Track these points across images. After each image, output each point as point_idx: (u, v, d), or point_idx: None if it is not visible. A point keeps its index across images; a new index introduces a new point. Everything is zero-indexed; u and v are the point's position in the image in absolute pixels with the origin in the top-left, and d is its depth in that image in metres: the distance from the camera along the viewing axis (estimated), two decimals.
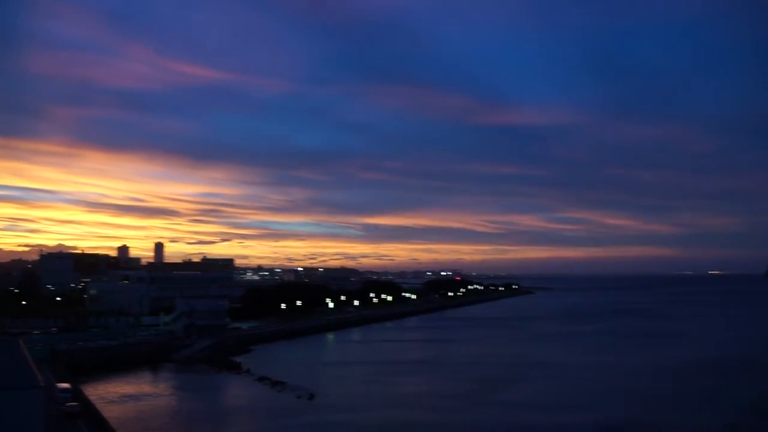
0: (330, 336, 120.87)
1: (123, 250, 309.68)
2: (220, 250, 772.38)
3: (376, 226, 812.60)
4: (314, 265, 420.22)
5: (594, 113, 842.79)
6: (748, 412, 53.99)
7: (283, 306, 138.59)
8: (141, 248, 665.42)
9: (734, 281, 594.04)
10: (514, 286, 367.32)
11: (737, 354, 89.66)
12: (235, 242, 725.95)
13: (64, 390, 47.53)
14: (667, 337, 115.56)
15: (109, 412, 47.48)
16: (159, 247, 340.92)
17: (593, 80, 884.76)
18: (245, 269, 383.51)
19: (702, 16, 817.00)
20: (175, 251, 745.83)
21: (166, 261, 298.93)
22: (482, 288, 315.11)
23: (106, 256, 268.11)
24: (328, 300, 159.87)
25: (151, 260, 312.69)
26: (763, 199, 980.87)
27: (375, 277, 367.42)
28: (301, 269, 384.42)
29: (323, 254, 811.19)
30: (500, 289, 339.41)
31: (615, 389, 64.99)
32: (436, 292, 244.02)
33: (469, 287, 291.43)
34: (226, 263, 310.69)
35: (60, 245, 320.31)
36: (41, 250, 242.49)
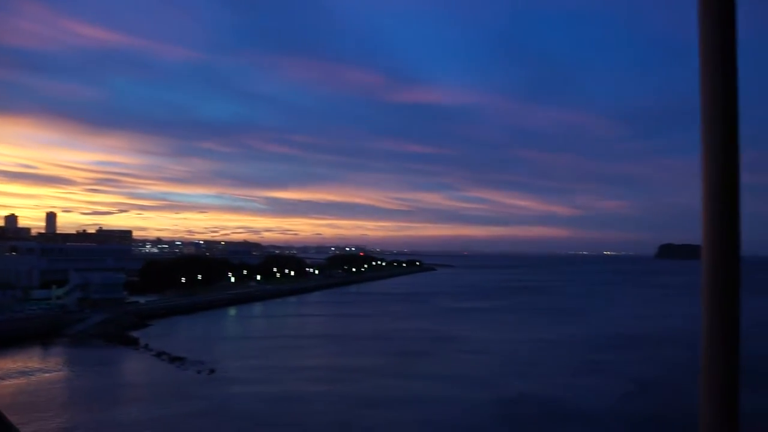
0: (231, 310, 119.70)
1: (11, 219, 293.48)
2: (117, 221, 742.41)
3: (280, 200, 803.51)
4: (216, 239, 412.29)
5: (502, 95, 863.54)
6: (643, 383, 57.44)
7: (183, 280, 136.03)
8: (31, 218, 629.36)
9: (627, 262, 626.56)
10: (416, 263, 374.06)
11: (637, 330, 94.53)
12: (133, 213, 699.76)
13: None
14: (572, 314, 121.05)
15: None
16: (51, 217, 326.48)
17: (502, 63, 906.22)
18: (144, 241, 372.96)
19: (610, 6, 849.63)
20: (68, 222, 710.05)
21: (58, 232, 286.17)
22: (385, 264, 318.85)
23: None
24: (229, 274, 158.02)
25: (43, 231, 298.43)
26: (655, 184, 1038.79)
27: (278, 252, 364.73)
28: (203, 242, 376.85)
29: (225, 227, 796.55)
30: (403, 265, 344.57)
31: (520, 362, 68.03)
32: (339, 267, 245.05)
33: (373, 263, 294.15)
34: (124, 235, 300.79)
35: None
36: None
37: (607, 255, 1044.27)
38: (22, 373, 57.71)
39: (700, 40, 1.57)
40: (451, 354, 73.31)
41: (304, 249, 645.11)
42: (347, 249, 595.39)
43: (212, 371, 59.63)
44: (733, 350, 1.58)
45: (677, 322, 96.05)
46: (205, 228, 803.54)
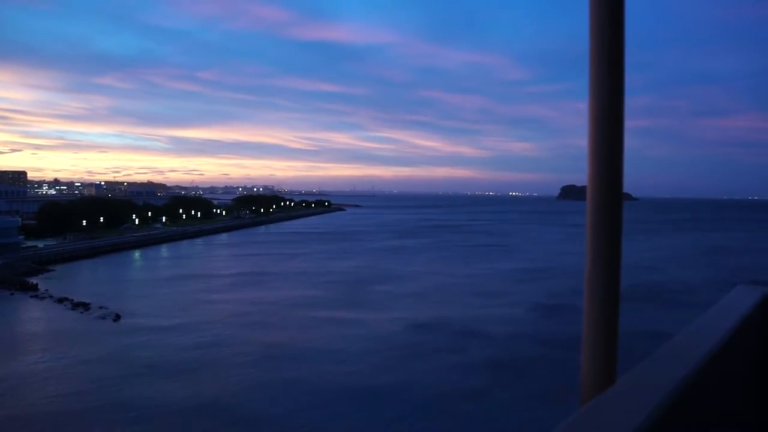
0: (136, 253, 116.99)
1: None
2: (9, 161, 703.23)
3: (185, 140, 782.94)
4: (118, 180, 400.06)
5: (411, 35, 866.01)
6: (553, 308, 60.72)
7: (84, 223, 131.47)
8: None
9: (533, 202, 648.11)
10: (325, 203, 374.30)
11: (559, 264, 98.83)
12: (27, 152, 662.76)
13: None
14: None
15: None
16: None
17: (413, 3, 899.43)
18: (40, 183, 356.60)
19: None
20: None
21: None
22: (294, 204, 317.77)
23: None
24: (133, 216, 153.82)
25: None
26: (560, 127, 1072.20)
27: (184, 193, 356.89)
28: (104, 183, 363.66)
29: (128, 168, 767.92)
30: (312, 205, 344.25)
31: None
32: (247, 208, 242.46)
33: (282, 203, 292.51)
34: (17, 176, 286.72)
35: None
36: None
37: (514, 196, 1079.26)
38: None
39: None
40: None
41: (211, 189, 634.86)
42: (255, 189, 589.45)
43: (118, 317, 58.68)
44: (613, 293, 1.62)
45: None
46: (107, 168, 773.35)
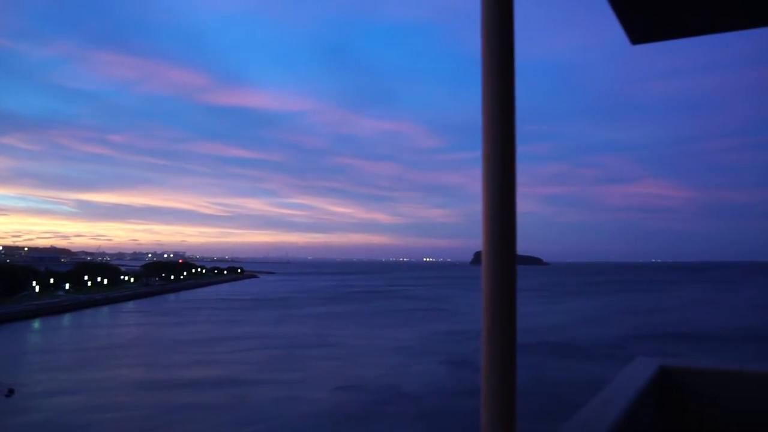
0: (36, 323, 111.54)
1: None
2: None
3: (92, 203, 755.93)
4: (18, 244, 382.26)
5: (325, 103, 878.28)
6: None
7: None
8: None
9: (447, 268, 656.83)
10: (238, 270, 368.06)
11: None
12: None
13: None
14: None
15: None
16: None
17: (327, 71, 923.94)
18: None
19: (430, 22, 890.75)
20: None
21: None
22: (206, 271, 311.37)
23: None
24: (34, 283, 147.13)
25: None
26: (472, 193, 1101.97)
27: (90, 258, 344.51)
28: (2, 248, 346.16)
29: (29, 231, 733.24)
30: (224, 272, 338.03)
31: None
32: (157, 275, 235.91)
33: (193, 270, 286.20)
34: None
35: None
36: None
37: (427, 261, 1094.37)
38: None
39: (481, 54, 1.68)
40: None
41: (119, 255, 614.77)
42: (165, 255, 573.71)
43: (11, 392, 55.57)
44: (510, 350, 1.66)
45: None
46: (5, 232, 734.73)
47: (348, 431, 45.30)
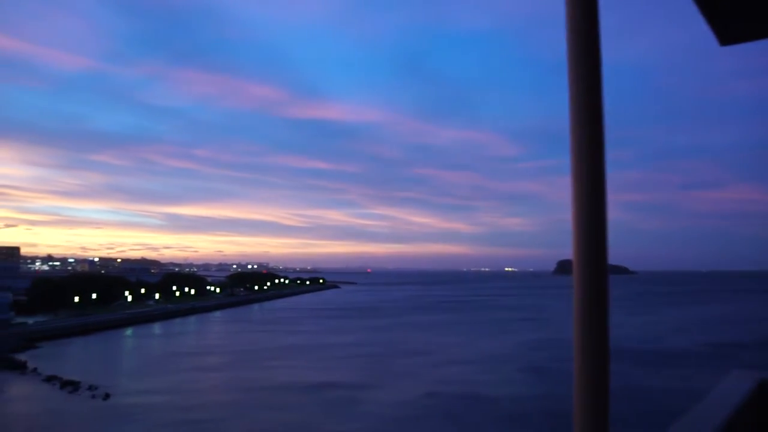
0: (128, 331, 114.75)
1: None
2: (3, 236, 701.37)
3: (179, 216, 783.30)
4: (112, 256, 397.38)
5: (403, 114, 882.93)
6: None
7: (76, 299, 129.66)
8: None
9: (528, 278, 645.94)
10: (320, 280, 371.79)
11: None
12: (21, 228, 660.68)
13: None
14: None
15: None
16: None
17: (404, 82, 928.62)
18: (33, 258, 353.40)
19: (508, 29, 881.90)
20: None
21: None
22: (288, 281, 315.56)
23: None
24: (126, 293, 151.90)
25: None
26: (552, 202, 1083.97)
27: (177, 270, 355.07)
28: (97, 259, 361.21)
29: (122, 244, 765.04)
30: (306, 282, 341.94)
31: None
32: (241, 285, 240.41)
33: (276, 281, 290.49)
34: (11, 251, 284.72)
35: None
36: None
37: (508, 271, 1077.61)
38: None
39: (568, 61, 1.65)
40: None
41: (205, 266, 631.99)
42: (249, 266, 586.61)
43: (107, 396, 56.64)
44: (603, 361, 1.62)
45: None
46: (100, 244, 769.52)
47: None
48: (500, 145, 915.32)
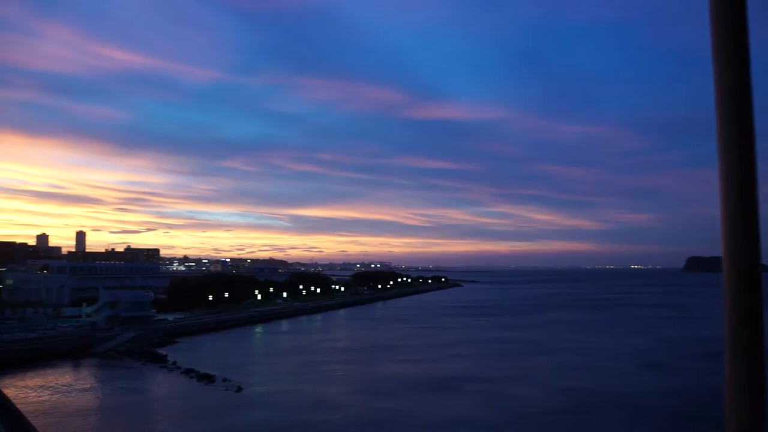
0: (258, 328, 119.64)
1: (42, 238, 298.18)
2: (144, 239, 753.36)
3: (304, 218, 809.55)
4: (242, 256, 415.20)
5: (523, 110, 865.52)
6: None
7: (210, 297, 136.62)
8: (62, 237, 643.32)
9: (657, 275, 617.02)
10: (442, 279, 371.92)
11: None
12: (160, 231, 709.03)
13: None
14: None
15: (28, 408, 45.86)
16: (81, 235, 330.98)
17: (523, 77, 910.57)
18: (171, 259, 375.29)
19: (628, 18, 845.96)
20: (97, 240, 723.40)
21: (88, 250, 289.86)
22: (410, 280, 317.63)
23: (24, 245, 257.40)
24: (256, 292, 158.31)
25: (73, 249, 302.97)
26: (680, 196, 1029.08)
27: (303, 269, 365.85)
28: (229, 260, 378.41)
29: (251, 245, 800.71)
30: (429, 281, 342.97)
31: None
32: (365, 284, 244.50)
33: (398, 279, 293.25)
34: (151, 253, 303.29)
35: None
36: None
37: (635, 269, 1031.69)
38: (56, 393, 57.98)
39: (712, 49, 1.60)
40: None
41: (330, 266, 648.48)
42: (372, 265, 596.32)
43: (239, 389, 59.40)
44: (757, 361, 1.58)
45: None
46: (231, 246, 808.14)
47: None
48: (625, 139, 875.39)
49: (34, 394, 57.41)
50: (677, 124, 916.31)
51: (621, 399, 55.20)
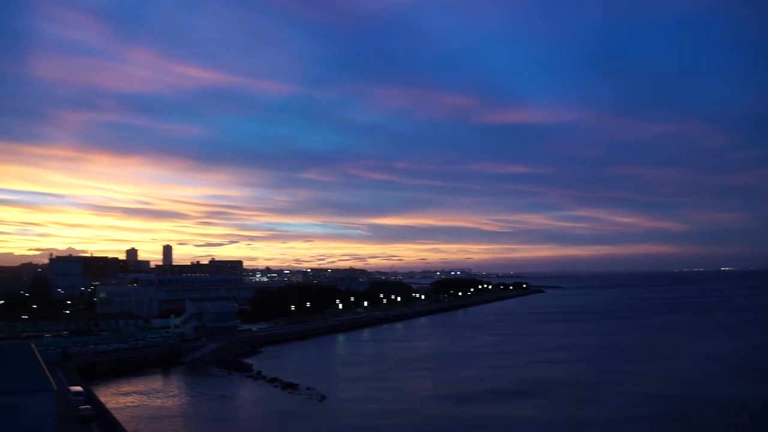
0: (340, 337, 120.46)
1: (132, 252, 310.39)
2: (228, 252, 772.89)
3: (383, 227, 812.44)
4: (322, 266, 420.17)
5: (600, 111, 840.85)
6: None
7: (292, 307, 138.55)
8: (149, 251, 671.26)
9: (751, 276, 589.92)
10: (523, 285, 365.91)
11: None
12: (242, 244, 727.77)
13: (77, 393, 47.50)
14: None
15: (122, 415, 47.31)
16: (167, 249, 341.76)
17: (599, 77, 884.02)
18: (254, 271, 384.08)
19: (707, 11, 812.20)
20: (183, 254, 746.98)
21: (174, 263, 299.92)
22: (491, 287, 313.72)
23: (115, 259, 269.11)
24: (337, 301, 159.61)
25: (160, 263, 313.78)
26: None
27: (383, 278, 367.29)
28: (309, 270, 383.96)
29: (331, 255, 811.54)
30: (510, 288, 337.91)
31: None
32: (445, 291, 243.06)
33: (479, 287, 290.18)
34: (235, 265, 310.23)
35: (69, 249, 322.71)
36: (51, 254, 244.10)
37: (725, 271, 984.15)
38: (148, 401, 59.78)
39: None
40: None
41: (410, 274, 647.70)
42: (452, 273, 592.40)
43: (323, 398, 59.62)
44: None
45: None
46: (312, 256, 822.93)
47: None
48: (710, 136, 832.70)
49: (128, 400, 59.36)
50: (763, 117, 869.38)
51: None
